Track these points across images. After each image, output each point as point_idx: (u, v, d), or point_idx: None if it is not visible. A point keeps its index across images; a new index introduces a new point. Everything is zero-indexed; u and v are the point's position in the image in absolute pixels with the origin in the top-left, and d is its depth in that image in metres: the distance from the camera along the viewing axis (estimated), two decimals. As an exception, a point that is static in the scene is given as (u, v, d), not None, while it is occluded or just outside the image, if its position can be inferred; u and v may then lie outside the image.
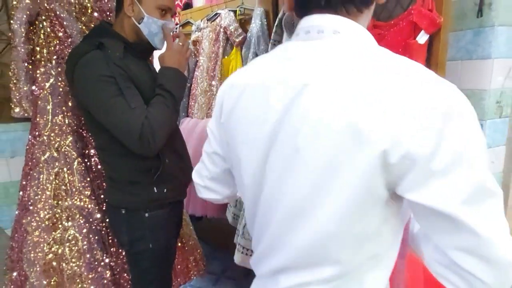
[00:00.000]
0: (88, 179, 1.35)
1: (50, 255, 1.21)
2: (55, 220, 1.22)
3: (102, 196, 1.36)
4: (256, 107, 0.62)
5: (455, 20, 1.31)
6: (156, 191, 1.21)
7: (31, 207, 1.22)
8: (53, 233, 1.22)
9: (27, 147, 1.30)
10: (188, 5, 3.45)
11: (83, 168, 1.31)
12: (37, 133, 1.26)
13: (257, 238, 0.69)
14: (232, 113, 0.67)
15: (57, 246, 1.22)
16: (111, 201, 1.25)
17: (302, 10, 0.62)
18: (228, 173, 0.78)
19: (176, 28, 2.99)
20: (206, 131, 0.79)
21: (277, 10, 2.19)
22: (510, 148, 1.38)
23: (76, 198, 1.25)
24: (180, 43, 1.24)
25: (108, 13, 1.58)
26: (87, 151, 1.38)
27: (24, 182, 1.27)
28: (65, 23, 1.36)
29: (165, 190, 1.23)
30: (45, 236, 1.21)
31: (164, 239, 1.28)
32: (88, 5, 1.53)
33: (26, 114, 1.30)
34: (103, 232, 1.30)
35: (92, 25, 1.54)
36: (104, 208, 1.34)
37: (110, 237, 1.33)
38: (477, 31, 1.27)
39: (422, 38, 1.16)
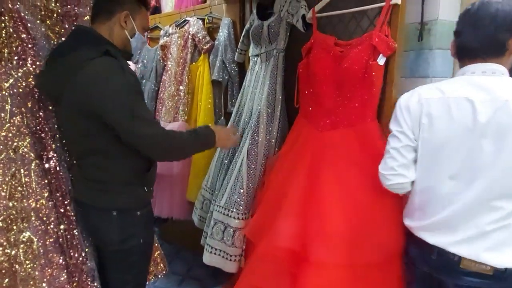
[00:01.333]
0: (46, 181, 1.34)
1: (3, 257, 1.20)
2: (9, 222, 1.20)
3: (60, 198, 1.36)
4: (463, 113, 0.99)
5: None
6: (146, 190, 1.34)
7: (-17, 208, 1.20)
8: (7, 234, 1.20)
9: (-18, 146, 1.28)
10: (156, 9, 3.45)
11: (41, 170, 1.31)
12: (-7, 133, 1.25)
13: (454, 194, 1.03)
14: (437, 117, 1.03)
15: (11, 248, 1.21)
16: (98, 204, 1.27)
17: (467, 59, 1.06)
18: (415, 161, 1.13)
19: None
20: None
21: (243, 21, 2.27)
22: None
23: (32, 199, 1.25)
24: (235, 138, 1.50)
25: (74, 18, 1.59)
26: (45, 153, 1.38)
27: (-23, 183, 1.25)
28: (29, 24, 1.36)
29: (151, 188, 1.37)
30: (-2, 238, 1.20)
31: (151, 233, 1.43)
32: (54, 9, 1.54)
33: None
34: (59, 234, 1.31)
35: (57, 29, 1.55)
36: (62, 210, 1.35)
37: (68, 240, 1.34)
38: (418, 52, 1.40)
39: (382, 60, 1.31)
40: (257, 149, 1.74)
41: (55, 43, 1.53)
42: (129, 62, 3.04)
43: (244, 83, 2.02)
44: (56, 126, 1.41)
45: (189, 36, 2.45)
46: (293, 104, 1.70)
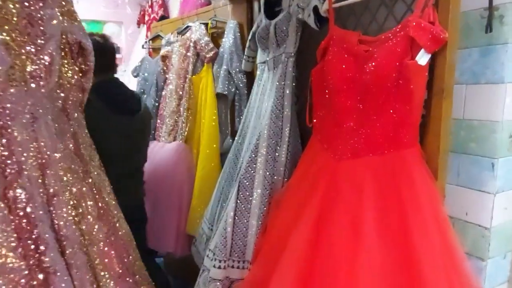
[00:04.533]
0: (13, 226, 1.07)
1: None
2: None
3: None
4: None
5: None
6: None
7: None
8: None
9: None
10: (163, 18, 3.26)
11: (4, 213, 1.03)
12: None
13: None
14: None
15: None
16: None
17: None
18: None
19: (146, 42, 2.75)
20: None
21: (252, 24, 1.95)
22: (525, 192, 1.12)
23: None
24: None
25: (41, 19, 1.30)
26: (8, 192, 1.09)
27: None
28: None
29: None
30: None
31: None
32: (14, 10, 1.26)
33: None
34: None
35: (18, 34, 1.26)
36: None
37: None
38: (485, 49, 1.01)
39: (423, 58, 0.90)
40: (253, 180, 1.37)
41: (17, 52, 1.24)
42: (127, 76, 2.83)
43: (250, 96, 1.69)
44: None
45: (191, 44, 2.16)
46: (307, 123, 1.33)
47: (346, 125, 1.11)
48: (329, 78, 1.12)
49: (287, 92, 1.43)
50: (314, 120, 1.25)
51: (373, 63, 0.99)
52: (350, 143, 1.09)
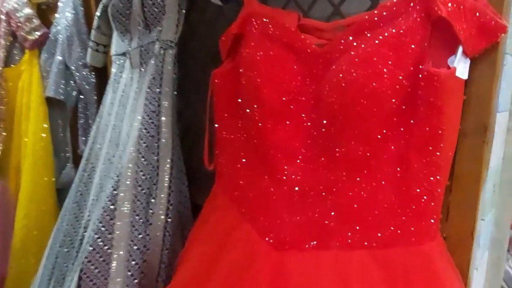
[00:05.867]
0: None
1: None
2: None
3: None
4: None
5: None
6: None
7: None
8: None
9: None
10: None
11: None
12: None
13: None
14: None
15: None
16: None
17: None
18: None
19: None
20: None
21: (102, -7, 1.34)
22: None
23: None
24: None
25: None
26: None
27: None
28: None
29: None
30: None
31: None
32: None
33: None
34: None
35: None
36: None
37: None
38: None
39: (461, 64, 0.47)
40: (108, 264, 0.78)
41: None
42: None
43: (101, 105, 1.08)
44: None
45: (2, 17, 1.45)
46: (202, 159, 0.78)
47: (293, 183, 0.57)
48: (254, 91, 0.60)
49: (165, 104, 0.88)
50: (220, 162, 0.72)
51: (351, 69, 0.50)
52: (304, 218, 0.56)
